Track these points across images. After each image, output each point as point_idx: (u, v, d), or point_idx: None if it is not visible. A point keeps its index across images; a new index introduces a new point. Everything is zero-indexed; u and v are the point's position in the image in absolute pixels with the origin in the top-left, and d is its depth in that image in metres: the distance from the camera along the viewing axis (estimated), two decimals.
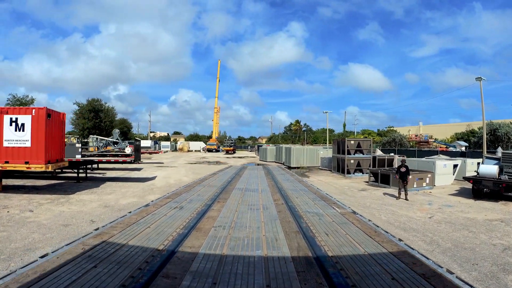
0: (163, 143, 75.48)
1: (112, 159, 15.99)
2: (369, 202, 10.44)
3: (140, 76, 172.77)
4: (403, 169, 10.99)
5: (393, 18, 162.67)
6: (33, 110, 10.33)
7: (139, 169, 21.42)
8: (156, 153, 39.55)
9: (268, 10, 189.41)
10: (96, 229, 5.05)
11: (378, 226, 5.70)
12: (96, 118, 60.12)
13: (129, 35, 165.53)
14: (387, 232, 5.32)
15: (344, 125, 76.59)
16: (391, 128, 71.08)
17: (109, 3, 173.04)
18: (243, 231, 5.17)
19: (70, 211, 8.29)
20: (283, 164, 28.47)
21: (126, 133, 77.30)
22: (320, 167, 24.95)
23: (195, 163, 28.93)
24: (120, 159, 16.01)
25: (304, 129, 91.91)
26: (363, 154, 20.08)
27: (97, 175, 17.36)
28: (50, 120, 10.56)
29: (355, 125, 78.46)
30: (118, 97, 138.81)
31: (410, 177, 11.27)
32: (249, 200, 8.25)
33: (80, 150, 15.79)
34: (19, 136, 10.17)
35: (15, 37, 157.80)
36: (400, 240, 4.96)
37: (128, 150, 28.71)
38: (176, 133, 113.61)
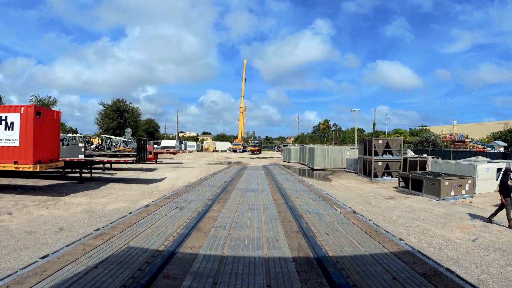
0: (188, 143, 75.46)
1: (113, 159, 15.51)
2: (397, 215, 8.57)
3: (168, 78, 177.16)
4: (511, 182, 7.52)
5: (421, 13, 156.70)
6: (22, 108, 9.90)
7: (152, 170, 20.63)
8: (174, 153, 38.77)
9: (292, 8, 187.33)
10: (96, 230, 5.06)
11: (378, 226, 5.70)
12: (121, 118, 60.06)
13: (154, 37, 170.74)
14: (387, 232, 5.32)
15: (374, 124, 70.76)
16: (424, 127, 65.49)
17: (132, 6, 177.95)
18: (243, 231, 5.18)
19: (49, 215, 7.88)
20: (306, 165, 26.60)
21: (153, 133, 77.31)
22: (345, 169, 22.79)
23: (214, 164, 27.58)
24: (122, 159, 15.46)
25: (333, 128, 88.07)
26: (393, 155, 17.77)
27: (106, 176, 16.92)
28: (41, 118, 10.12)
29: (385, 124, 74.03)
30: (147, 98, 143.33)
31: None
32: (249, 200, 8.25)
33: (83, 150, 15.36)
34: (9, 135, 9.82)
35: (46, 43, 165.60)
36: (400, 239, 4.97)
37: None
38: (205, 133, 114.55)
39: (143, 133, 73.88)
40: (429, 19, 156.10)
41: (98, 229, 5.08)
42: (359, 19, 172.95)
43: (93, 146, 29.95)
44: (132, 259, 3.80)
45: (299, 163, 29.97)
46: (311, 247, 4.36)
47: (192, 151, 63.55)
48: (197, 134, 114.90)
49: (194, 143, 77.60)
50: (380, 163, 17.17)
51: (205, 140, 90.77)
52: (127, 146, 28.16)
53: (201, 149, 70.74)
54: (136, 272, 3.42)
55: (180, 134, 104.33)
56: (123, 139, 31.04)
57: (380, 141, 18.04)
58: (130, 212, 6.55)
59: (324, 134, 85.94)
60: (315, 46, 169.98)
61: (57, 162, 11.48)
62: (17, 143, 9.76)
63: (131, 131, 31.19)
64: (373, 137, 18.64)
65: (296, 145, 43.47)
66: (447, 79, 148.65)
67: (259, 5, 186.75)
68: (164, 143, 61.06)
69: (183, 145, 68.10)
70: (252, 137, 77.11)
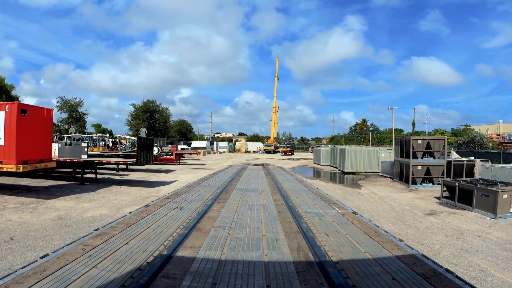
0: (220, 143, 75.53)
1: (113, 160, 15.07)
2: (440, 242, 6.31)
3: (201, 80, 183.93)
4: None
5: (457, 5, 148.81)
6: (7, 106, 9.47)
7: (169, 171, 19.82)
8: (197, 153, 38.23)
9: (321, 5, 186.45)
10: (96, 230, 5.05)
11: (378, 226, 5.70)
12: (151, 119, 60.37)
13: (184, 40, 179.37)
14: (387, 232, 5.32)
15: (413, 124, 66.14)
16: (468, 127, 59.73)
17: (158, 10, 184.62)
18: (243, 232, 5.18)
19: (17, 221, 7.34)
20: (337, 168, 24.11)
21: (185, 134, 77.56)
22: (380, 174, 20.18)
23: (239, 165, 25.62)
24: (122, 160, 14.99)
25: (370, 129, 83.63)
26: (434, 157, 15.27)
27: (116, 177, 16.44)
28: (26, 116, 9.70)
29: (425, 124, 70.84)
30: (182, 100, 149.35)
31: None
32: (249, 200, 8.25)
33: (86, 150, 14.90)
34: None
35: (83, 49, 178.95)
36: (400, 240, 4.97)
37: (156, 150, 27.89)
38: (240, 134, 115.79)
39: (175, 133, 74.21)
40: (466, 11, 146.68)
41: (98, 229, 5.08)
42: (391, 14, 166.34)
43: (123, 146, 29.81)
44: (132, 258, 3.80)
45: (330, 166, 27.57)
46: (310, 248, 4.36)
47: (223, 152, 63.31)
48: (233, 135, 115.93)
49: (225, 143, 77.45)
50: (419, 167, 14.75)
51: (238, 141, 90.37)
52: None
53: (233, 149, 70.35)
54: (135, 271, 3.43)
55: (217, 135, 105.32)
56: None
57: (419, 141, 15.38)
58: (130, 212, 6.56)
59: (361, 134, 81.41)
60: (347, 44, 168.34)
61: (47, 163, 10.95)
62: (1, 142, 9.39)
63: (146, 130, 31.05)
64: (411, 136, 15.76)
65: (328, 146, 40.78)
66: (489, 75, 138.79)
67: (287, 3, 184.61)
68: (195, 143, 61.18)
69: (214, 145, 67.92)
70: (283, 138, 75.54)
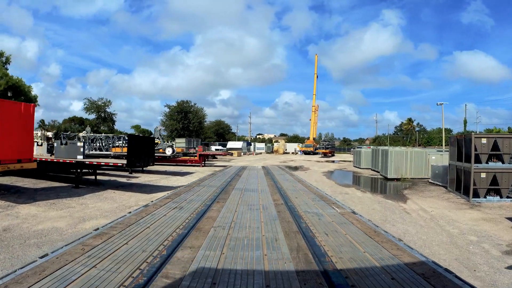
0: (257, 144, 75.09)
1: (103, 162, 14.09)
2: None
3: (239, 81, 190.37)
4: None
5: None
6: None
7: (185, 174, 18.49)
8: (222, 155, 37.31)
9: (354, 2, 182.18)
10: (96, 230, 5.05)
11: (377, 226, 5.71)
12: (185, 119, 60.02)
13: (219, 43, 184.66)
14: (386, 232, 5.32)
15: (465, 122, 59.12)
16: None
17: (188, 14, 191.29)
18: (242, 231, 5.18)
19: None
20: (379, 173, 21.10)
21: (222, 135, 77.11)
22: (430, 180, 16.94)
23: (269, 167, 23.34)
24: (111, 162, 13.67)
25: (417, 129, 77.89)
26: (503, 162, 11.75)
27: (121, 180, 15.64)
28: (0, 112, 9.12)
29: (476, 123, 64.20)
30: (222, 102, 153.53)
31: None
32: (248, 200, 8.26)
33: (82, 150, 14.12)
34: None
35: (124, 54, 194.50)
36: (400, 240, 4.97)
37: (169, 151, 25.94)
38: (282, 135, 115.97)
39: (212, 134, 73.81)
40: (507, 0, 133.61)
41: (98, 229, 5.07)
42: (430, 6, 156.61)
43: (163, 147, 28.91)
44: (131, 258, 3.80)
45: (371, 170, 24.55)
46: (310, 247, 4.37)
47: (260, 153, 62.42)
48: (274, 136, 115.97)
49: (263, 144, 76.77)
50: (483, 175, 11.51)
51: (278, 142, 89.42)
52: (157, 145, 26.41)
53: (271, 151, 69.28)
54: (135, 271, 3.43)
55: (258, 136, 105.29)
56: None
57: (483, 140, 12.00)
58: (130, 212, 6.55)
59: (407, 135, 75.66)
60: (384, 40, 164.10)
61: (25, 163, 10.10)
62: None
63: (161, 129, 29.40)
64: (473, 133, 12.89)
65: (370, 147, 36.91)
66: None
67: (320, 1, 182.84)
68: (231, 144, 60.89)
69: (251, 146, 67.27)
70: (322, 139, 73.58)
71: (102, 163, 13.85)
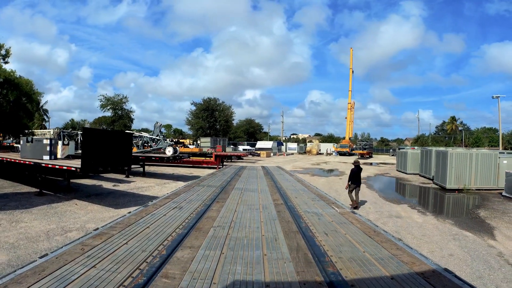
0: (290, 144, 73.44)
1: (57, 164, 11.15)
2: None
3: (263, 81, 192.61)
4: None
5: None
6: None
7: (192, 179, 15.58)
8: (241, 155, 35.01)
9: None
10: (95, 229, 5.05)
11: (377, 226, 5.71)
12: (211, 117, 58.36)
13: (237, 43, 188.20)
14: (386, 232, 5.32)
15: None
16: None
17: (196, 16, 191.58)
18: (242, 231, 5.18)
19: None
20: (432, 180, 17.78)
21: (253, 134, 76.06)
22: (504, 193, 13.57)
23: (296, 170, 20.68)
24: (65, 165, 10.65)
25: (460, 128, 71.94)
26: None
27: (107, 186, 14.38)
28: None
29: None
30: (249, 102, 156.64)
31: None
32: (248, 200, 8.25)
33: (48, 149, 11.97)
34: None
35: (149, 58, 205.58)
36: (399, 239, 4.97)
37: (170, 151, 21.46)
38: (317, 134, 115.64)
39: (242, 134, 72.64)
40: None
41: (97, 229, 5.07)
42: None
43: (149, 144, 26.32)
44: (131, 258, 3.80)
45: (419, 175, 21.13)
46: (310, 247, 4.37)
47: (291, 154, 60.27)
48: (309, 136, 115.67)
49: (295, 145, 74.80)
50: None
51: (312, 141, 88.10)
52: (157, 144, 23.56)
53: (303, 151, 67.16)
54: (135, 271, 3.42)
55: (293, 136, 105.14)
56: (150, 136, 25.15)
57: None
58: (129, 212, 6.55)
59: (449, 134, 70.42)
60: (406, 32, 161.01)
61: None
62: None
63: (161, 125, 26.15)
64: None
65: (415, 148, 32.31)
66: None
67: None
68: (260, 144, 59.64)
69: (282, 146, 65.93)
70: (360, 139, 70.11)
71: (56, 166, 10.85)
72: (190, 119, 58.10)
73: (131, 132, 20.48)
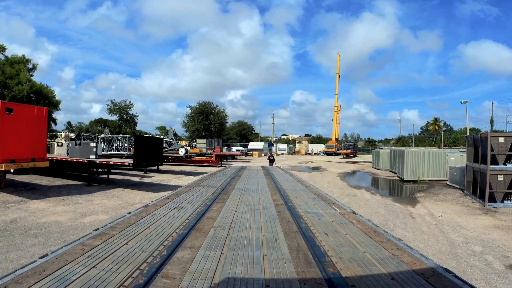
0: (280, 145, 76.80)
1: (112, 161, 14.90)
2: None
3: (245, 83, 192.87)
4: None
5: None
6: None
7: (198, 174, 18.29)
8: (236, 155, 39.70)
9: None
10: (96, 230, 5.05)
11: (377, 226, 5.71)
12: (206, 120, 61.12)
13: (212, 44, 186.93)
14: (386, 232, 5.32)
15: (492, 121, 56.70)
16: None
17: (166, 17, 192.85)
18: (242, 232, 5.18)
19: None
20: (396, 174, 20.84)
21: (245, 135, 78.00)
22: (448, 183, 16.42)
23: (285, 168, 23.37)
24: (119, 161, 14.80)
25: (444, 129, 75.53)
26: None
27: (134, 179, 16.25)
28: (13, 115, 9.88)
29: (506, 122, 62.99)
30: (232, 102, 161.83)
31: None
32: (248, 200, 8.25)
33: (94, 150, 15.02)
34: None
35: (129, 60, 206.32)
36: (399, 240, 4.97)
37: (182, 151, 28.42)
38: (306, 135, 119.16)
39: (235, 135, 74.49)
40: None
41: (98, 229, 5.07)
42: None
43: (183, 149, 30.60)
44: (131, 259, 3.80)
45: (389, 171, 24.32)
46: (310, 247, 4.37)
47: (281, 154, 62.94)
48: (299, 137, 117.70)
49: (285, 145, 77.89)
50: (500, 177, 10.88)
51: (301, 142, 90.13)
52: (169, 147, 27.97)
53: (293, 151, 69.53)
54: (135, 271, 3.42)
55: (283, 137, 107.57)
56: (165, 139, 29.79)
57: (501, 140, 11.53)
58: (130, 212, 6.55)
59: (432, 135, 73.83)
60: (379, 30, 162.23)
61: (38, 162, 11.03)
62: None
63: (174, 130, 31.11)
64: (488, 132, 12.30)
65: (392, 147, 35.46)
66: None
67: None
68: (252, 145, 62.35)
69: (273, 147, 67.80)
70: (349, 139, 73.50)
71: (110, 162, 14.48)
72: (186, 121, 60.42)
73: (162, 137, 24.88)
